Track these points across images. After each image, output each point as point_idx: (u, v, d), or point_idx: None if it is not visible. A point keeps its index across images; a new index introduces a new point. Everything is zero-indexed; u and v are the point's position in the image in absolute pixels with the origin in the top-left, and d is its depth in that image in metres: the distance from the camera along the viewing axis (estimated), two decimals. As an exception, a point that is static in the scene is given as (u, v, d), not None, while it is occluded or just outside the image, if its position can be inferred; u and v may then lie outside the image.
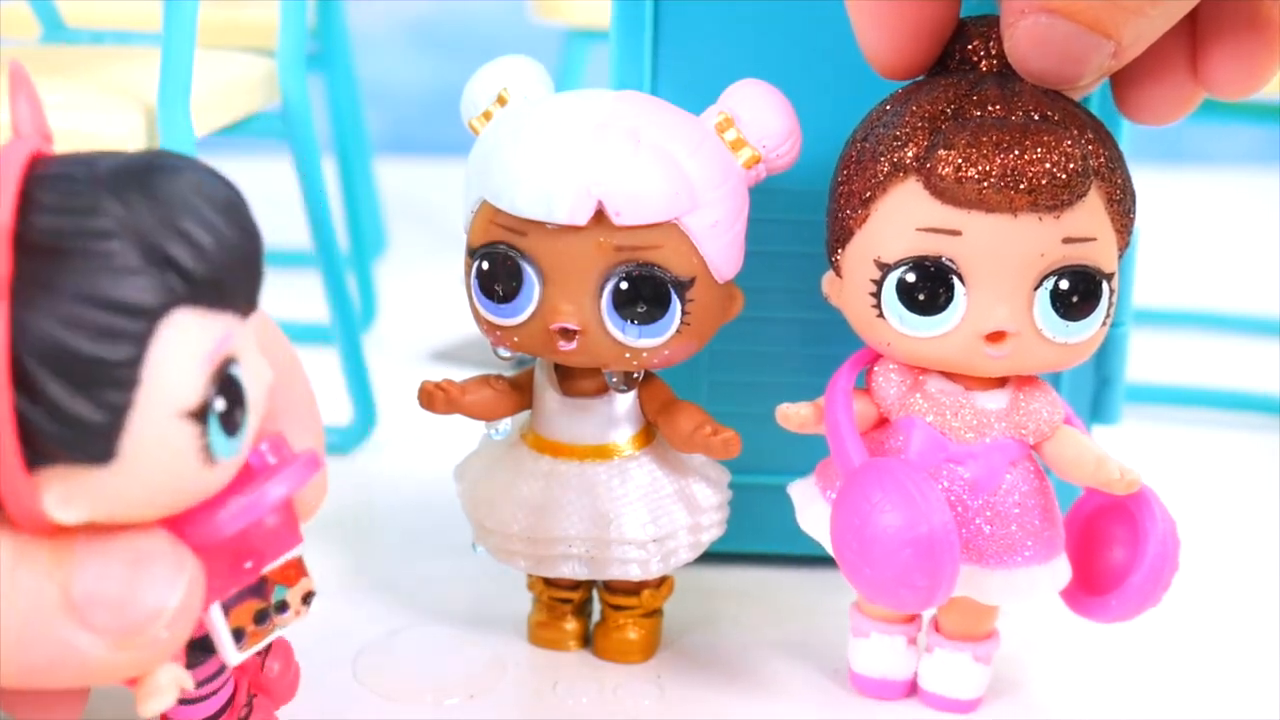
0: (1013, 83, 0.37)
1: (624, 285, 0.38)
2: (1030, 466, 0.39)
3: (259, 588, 0.33)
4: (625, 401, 0.42)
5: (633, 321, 0.38)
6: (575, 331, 0.38)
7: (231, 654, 0.32)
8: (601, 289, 0.38)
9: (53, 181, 0.27)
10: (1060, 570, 0.39)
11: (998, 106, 0.36)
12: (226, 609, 0.32)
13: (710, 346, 0.41)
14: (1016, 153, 0.35)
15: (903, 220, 0.37)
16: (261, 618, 0.33)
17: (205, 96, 0.50)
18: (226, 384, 0.29)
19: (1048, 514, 0.39)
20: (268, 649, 0.37)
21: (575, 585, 0.45)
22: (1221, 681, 0.44)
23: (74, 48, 0.58)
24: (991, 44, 0.38)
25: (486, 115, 0.40)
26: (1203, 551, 0.53)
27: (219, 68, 0.53)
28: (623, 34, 0.45)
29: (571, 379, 0.42)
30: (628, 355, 0.39)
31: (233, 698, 0.36)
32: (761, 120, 0.39)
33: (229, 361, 0.29)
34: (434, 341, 0.74)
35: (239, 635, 0.32)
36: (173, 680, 0.30)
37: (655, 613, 0.45)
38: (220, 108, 0.52)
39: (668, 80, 0.45)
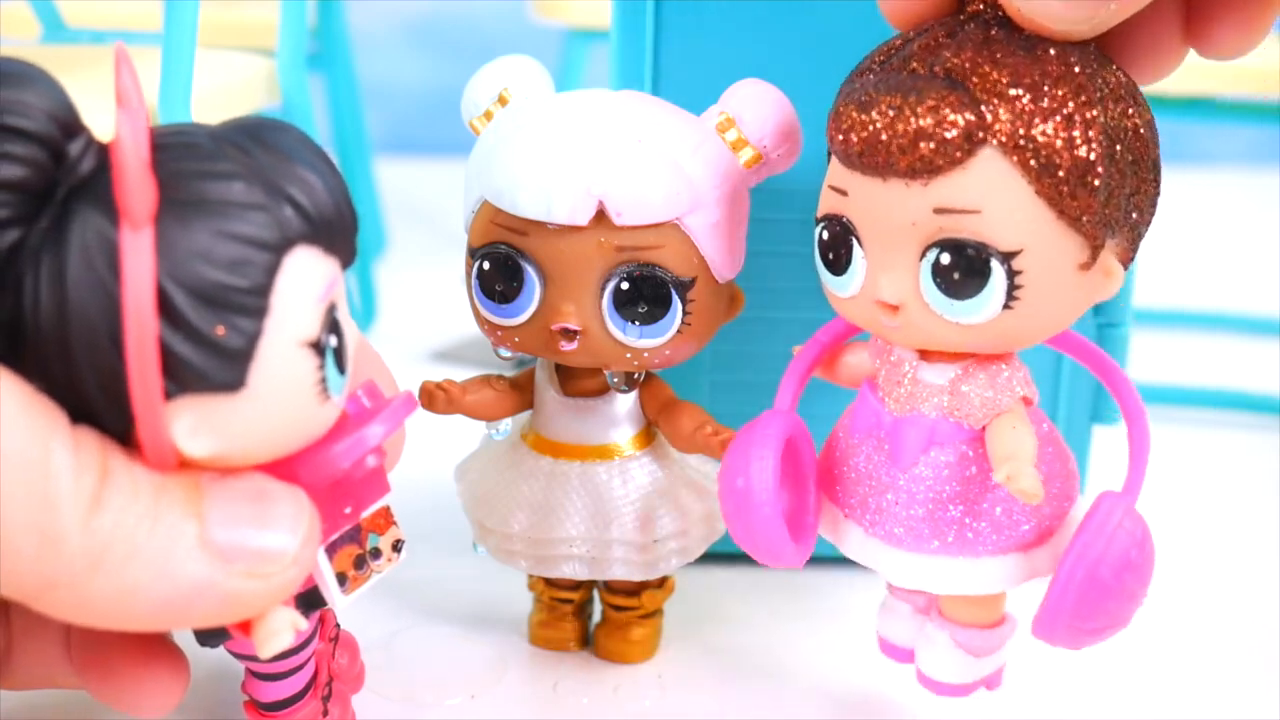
0: (972, 32, 0.34)
1: (625, 285, 0.38)
2: (965, 452, 0.36)
3: (355, 534, 0.34)
4: (626, 402, 0.42)
5: (634, 322, 0.38)
6: (576, 332, 0.38)
7: (338, 597, 0.34)
8: (602, 289, 0.38)
9: (172, 138, 0.29)
10: (994, 572, 0.37)
11: (917, 62, 0.33)
12: (330, 553, 0.33)
13: (711, 346, 0.41)
14: (889, 113, 0.33)
15: (829, 175, 0.36)
16: (360, 563, 0.34)
17: (205, 96, 0.50)
18: (337, 326, 0.31)
19: (974, 506, 0.36)
20: (336, 641, 0.39)
21: (576, 585, 0.45)
22: (1221, 681, 0.45)
23: (74, 48, 0.59)
24: None
25: (487, 115, 0.40)
26: (1203, 551, 0.53)
27: (219, 68, 0.53)
28: (623, 34, 0.45)
29: (572, 379, 0.42)
30: (628, 355, 0.39)
31: (315, 678, 0.38)
32: (762, 120, 0.39)
33: (334, 306, 0.31)
34: (434, 341, 0.74)
35: (342, 580, 0.34)
36: (288, 622, 0.31)
37: (656, 613, 0.45)
38: (220, 108, 0.52)
39: (668, 80, 0.45)
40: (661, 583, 0.44)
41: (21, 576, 0.28)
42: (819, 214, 0.36)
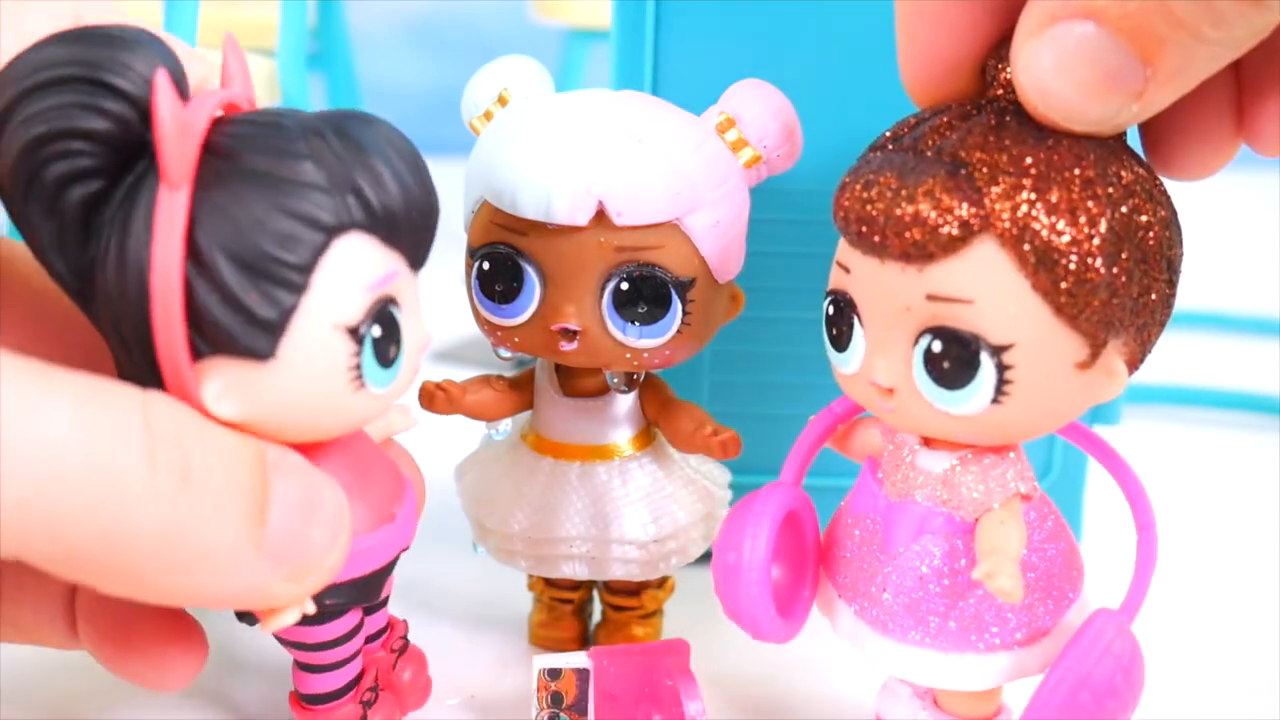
0: (985, 117, 0.33)
1: (625, 286, 0.38)
2: (956, 545, 0.35)
3: None
4: (626, 402, 0.42)
5: (633, 322, 0.38)
6: (576, 332, 0.38)
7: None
8: (602, 289, 0.38)
9: (261, 115, 0.31)
10: (976, 668, 0.36)
11: (925, 144, 0.33)
12: None
13: (711, 347, 0.41)
14: (888, 194, 0.32)
15: (838, 250, 0.35)
16: None
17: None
18: (386, 319, 0.31)
19: (959, 600, 0.35)
20: (401, 653, 0.39)
21: (576, 585, 0.45)
22: (1221, 681, 0.44)
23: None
24: (1003, 71, 0.33)
25: (487, 115, 0.40)
26: (1203, 551, 0.53)
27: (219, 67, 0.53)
28: (623, 34, 0.45)
29: (572, 379, 0.42)
30: (628, 355, 0.39)
31: (359, 678, 0.38)
32: (762, 120, 0.39)
33: (390, 300, 0.31)
34: (434, 341, 0.74)
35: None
36: (296, 605, 0.32)
37: (656, 613, 0.45)
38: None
39: (668, 80, 0.45)
40: (661, 583, 0.44)
41: (91, 566, 0.28)
42: (827, 288, 0.35)
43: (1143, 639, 0.35)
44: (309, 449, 0.32)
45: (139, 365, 0.30)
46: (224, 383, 0.30)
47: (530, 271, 0.38)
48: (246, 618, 0.35)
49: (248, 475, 0.30)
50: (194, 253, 0.29)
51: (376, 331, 0.31)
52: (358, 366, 0.31)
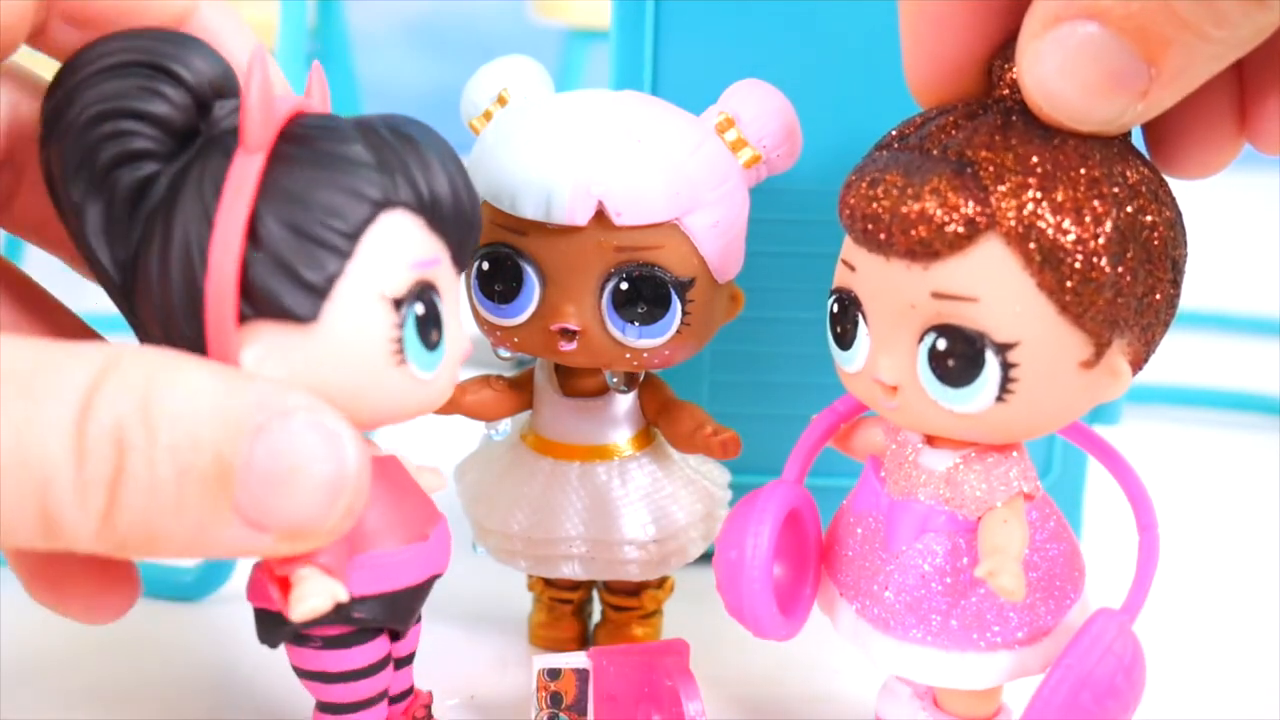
0: (991, 116, 0.33)
1: (624, 285, 0.38)
2: (958, 543, 0.35)
3: None
4: (625, 402, 0.42)
5: (633, 322, 0.38)
6: (576, 332, 0.38)
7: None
8: (602, 289, 0.38)
9: (319, 116, 0.32)
10: (977, 667, 0.36)
11: (931, 143, 0.33)
12: None
13: (711, 347, 0.41)
14: (894, 193, 0.32)
15: (843, 248, 0.35)
16: None
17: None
18: (428, 303, 0.32)
19: (961, 598, 0.35)
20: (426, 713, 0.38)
21: (576, 585, 0.45)
22: (1221, 681, 0.44)
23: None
24: (1008, 70, 0.33)
25: (487, 115, 0.40)
26: (1203, 551, 0.53)
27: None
28: (623, 34, 0.45)
29: (572, 379, 0.42)
30: (628, 355, 0.39)
31: None
32: (762, 120, 0.39)
33: (433, 287, 0.32)
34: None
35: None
36: (328, 591, 0.31)
37: (656, 613, 0.45)
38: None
39: (668, 80, 0.45)
40: (661, 583, 0.44)
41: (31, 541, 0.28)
42: (832, 286, 0.35)
43: (1143, 639, 0.35)
44: None
45: (177, 342, 0.30)
46: (265, 346, 0.30)
47: (530, 271, 0.38)
48: (268, 638, 0.35)
49: (204, 455, 0.28)
50: (250, 219, 0.30)
51: (420, 309, 0.31)
52: (399, 340, 0.31)
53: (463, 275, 0.40)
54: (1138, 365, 0.34)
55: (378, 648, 0.35)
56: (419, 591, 0.35)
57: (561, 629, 0.45)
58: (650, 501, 0.41)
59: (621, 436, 0.42)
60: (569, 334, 0.38)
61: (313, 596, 0.31)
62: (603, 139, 0.37)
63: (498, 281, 0.39)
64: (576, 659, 0.39)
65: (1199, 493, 0.58)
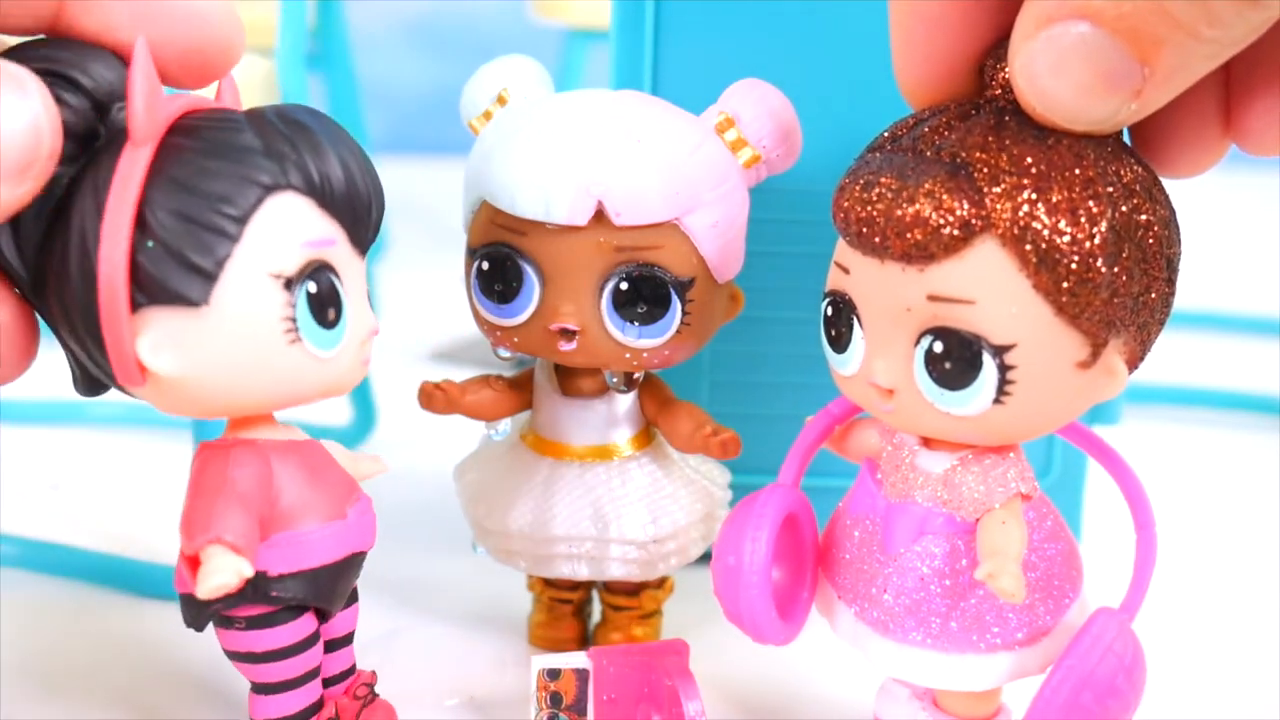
0: (984, 117, 0.32)
1: (624, 285, 0.38)
2: (957, 545, 0.35)
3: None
4: (625, 402, 0.42)
5: (633, 322, 0.38)
6: (575, 332, 0.38)
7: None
8: (601, 289, 0.38)
9: (214, 110, 0.33)
10: (977, 668, 0.35)
11: (924, 144, 0.32)
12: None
13: (711, 346, 0.41)
14: (888, 195, 0.32)
15: (836, 251, 0.35)
16: None
17: (205, 94, 0.50)
18: (324, 282, 0.32)
19: (960, 600, 0.35)
20: (367, 703, 0.38)
21: (575, 585, 0.45)
22: (1221, 681, 0.44)
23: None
24: (1001, 71, 0.33)
25: (486, 115, 0.40)
26: (1203, 551, 0.53)
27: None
28: (623, 34, 0.45)
29: (571, 379, 0.42)
30: (628, 355, 0.39)
31: (318, 706, 0.37)
32: (761, 120, 0.39)
33: (328, 266, 0.32)
34: (434, 341, 0.74)
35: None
36: (233, 568, 0.32)
37: (656, 613, 0.45)
38: (220, 107, 0.52)
39: (668, 80, 0.45)
40: (661, 583, 0.44)
41: None
42: (826, 289, 0.35)
43: (1143, 639, 0.35)
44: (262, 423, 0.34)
45: (81, 336, 0.31)
46: (161, 332, 0.31)
47: (529, 271, 0.38)
48: (193, 621, 0.35)
49: None
50: (139, 207, 0.31)
51: (312, 287, 0.32)
52: (292, 319, 0.32)
53: (468, 275, 0.40)
54: (1134, 364, 0.34)
55: (302, 626, 0.36)
56: (341, 569, 0.36)
57: (561, 629, 0.45)
58: (650, 501, 0.41)
59: (621, 436, 0.42)
60: (569, 334, 0.38)
61: (217, 574, 0.32)
62: (602, 139, 0.37)
63: (497, 281, 0.39)
64: (576, 659, 0.39)
65: (1198, 493, 0.58)
